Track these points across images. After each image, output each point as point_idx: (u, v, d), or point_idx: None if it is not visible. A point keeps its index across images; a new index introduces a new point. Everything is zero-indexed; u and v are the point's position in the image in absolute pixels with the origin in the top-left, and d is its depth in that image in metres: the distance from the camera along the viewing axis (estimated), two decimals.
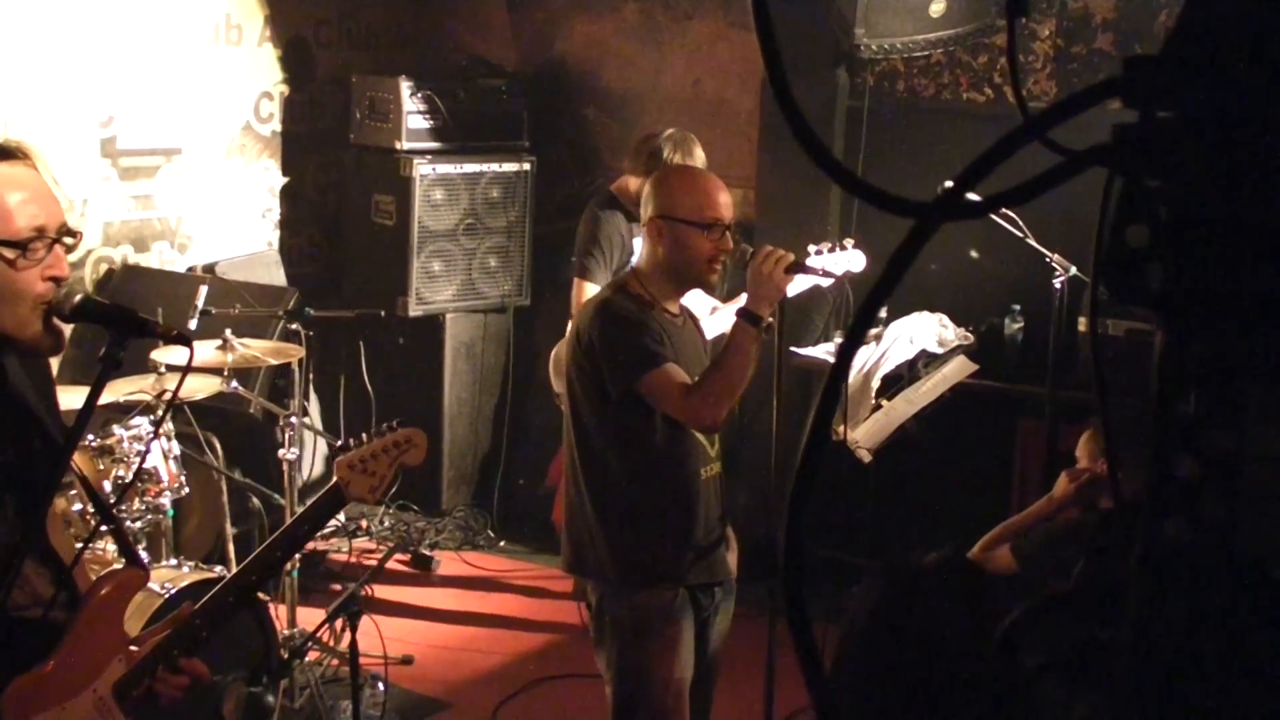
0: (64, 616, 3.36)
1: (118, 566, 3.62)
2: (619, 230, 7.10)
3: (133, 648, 3.49)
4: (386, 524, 9.12)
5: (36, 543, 3.36)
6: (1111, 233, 1.16)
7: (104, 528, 6.01)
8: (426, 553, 8.76)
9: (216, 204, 9.12)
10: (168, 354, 6.62)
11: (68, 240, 3.29)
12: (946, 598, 2.63)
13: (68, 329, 3.34)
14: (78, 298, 3.27)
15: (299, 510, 6.63)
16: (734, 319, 5.07)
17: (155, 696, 3.49)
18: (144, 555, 6.24)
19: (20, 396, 3.39)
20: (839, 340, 7.44)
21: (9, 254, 3.16)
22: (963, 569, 2.73)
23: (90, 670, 3.39)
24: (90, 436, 6.29)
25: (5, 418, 3.33)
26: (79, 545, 3.65)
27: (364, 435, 4.21)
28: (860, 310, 1.25)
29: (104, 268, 8.56)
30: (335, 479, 4.10)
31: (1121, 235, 1.15)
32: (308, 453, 7.87)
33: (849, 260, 6.43)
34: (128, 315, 3.29)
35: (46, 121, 8.06)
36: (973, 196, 1.29)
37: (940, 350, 7.35)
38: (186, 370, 3.57)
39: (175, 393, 3.66)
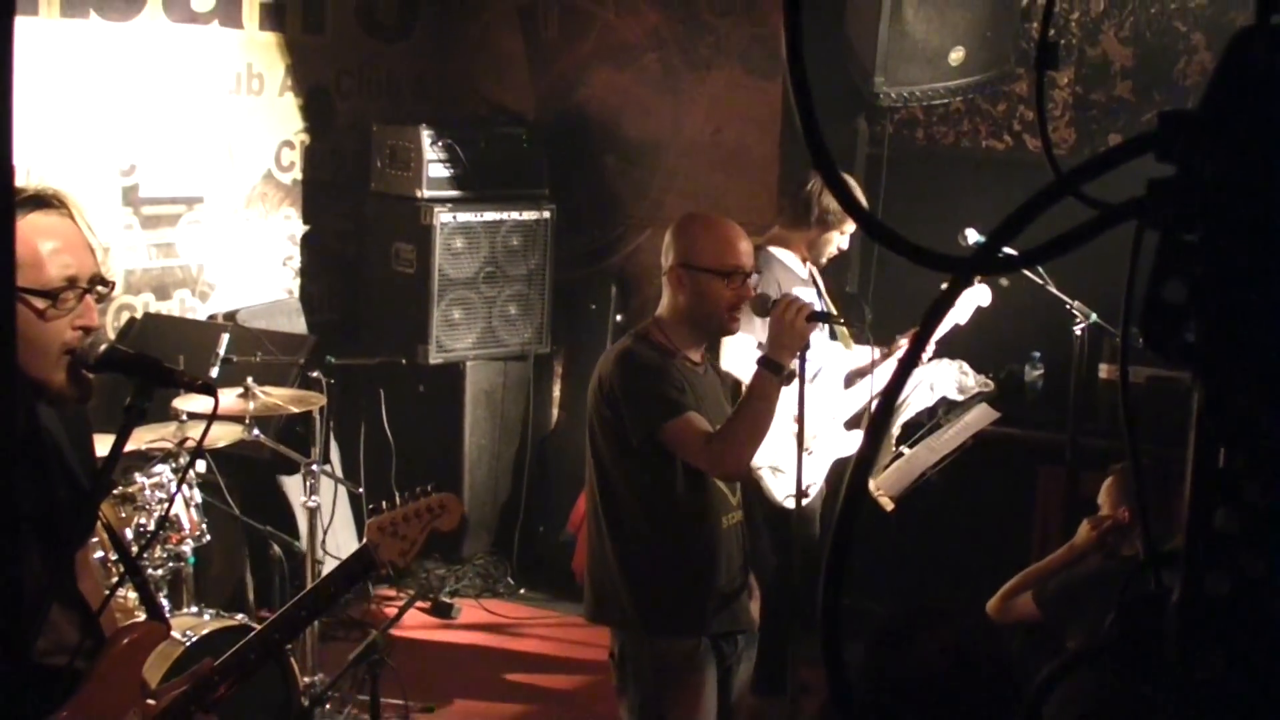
0: (87, 665, 3.36)
1: (139, 618, 3.61)
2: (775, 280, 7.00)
3: (150, 701, 3.48)
4: (407, 572, 9.11)
5: (63, 589, 3.37)
6: (1148, 287, 1.16)
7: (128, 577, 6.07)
8: (447, 600, 8.72)
9: (237, 252, 9.15)
10: (189, 402, 6.63)
11: (100, 290, 3.29)
12: (938, 651, 2.62)
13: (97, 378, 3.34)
14: (103, 347, 3.29)
15: (320, 558, 6.66)
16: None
17: None
18: (165, 603, 6.25)
19: (51, 444, 3.39)
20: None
21: (39, 304, 3.17)
22: (954, 620, 2.71)
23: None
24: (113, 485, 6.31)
25: (35, 465, 3.33)
26: (105, 593, 3.66)
27: (397, 498, 4.21)
28: (900, 364, 1.25)
29: (126, 316, 8.58)
30: (365, 541, 4.11)
31: (1158, 290, 1.15)
32: (327, 500, 7.86)
33: (975, 296, 6.45)
34: (152, 365, 3.30)
35: (69, 169, 8.09)
36: (1008, 249, 1.29)
37: (961, 397, 7.34)
38: (211, 419, 3.57)
39: (201, 441, 3.64)
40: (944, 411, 7.30)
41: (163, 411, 6.45)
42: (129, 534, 6.17)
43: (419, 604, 8.60)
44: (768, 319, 5.10)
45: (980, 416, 6.83)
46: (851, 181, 6.82)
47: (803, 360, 5.08)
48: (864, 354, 6.86)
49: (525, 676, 7.87)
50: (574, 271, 9.50)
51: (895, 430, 7.24)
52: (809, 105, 1.29)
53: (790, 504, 6.22)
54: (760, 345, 5.47)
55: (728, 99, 8.94)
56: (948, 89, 7.06)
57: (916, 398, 7.31)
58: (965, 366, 7.47)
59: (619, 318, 9.18)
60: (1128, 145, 1.25)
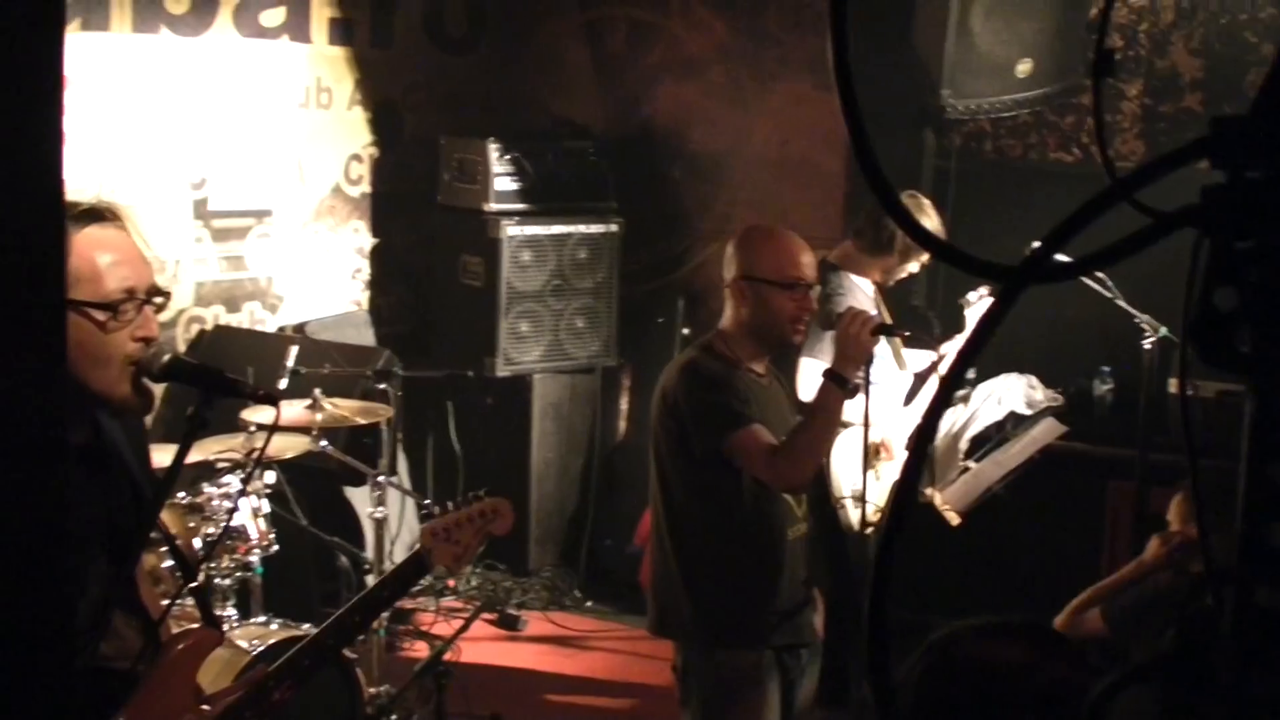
0: (146, 670, 3.38)
1: (194, 625, 3.62)
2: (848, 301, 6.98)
3: (205, 706, 3.49)
4: (474, 583, 9.11)
5: (126, 596, 3.39)
6: (1200, 295, 1.14)
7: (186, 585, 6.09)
8: (513, 612, 8.75)
9: (306, 265, 9.20)
10: (257, 413, 6.65)
11: (157, 301, 3.31)
12: (996, 666, 2.59)
13: (158, 388, 3.35)
14: (166, 357, 3.28)
15: (386, 569, 6.66)
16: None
17: None
18: (233, 612, 6.27)
19: (114, 453, 3.41)
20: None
21: (99, 316, 3.18)
22: (1015, 635, 2.68)
23: None
24: (181, 494, 6.33)
25: (99, 474, 3.35)
26: (165, 601, 3.67)
27: (450, 504, 4.22)
28: (947, 374, 1.24)
29: (196, 328, 8.63)
30: (419, 546, 4.11)
31: (1210, 298, 1.13)
32: (395, 512, 7.88)
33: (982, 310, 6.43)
34: (216, 375, 3.31)
35: (140, 183, 8.16)
36: (1062, 257, 1.27)
37: (1029, 411, 7.30)
38: (273, 430, 3.58)
39: (262, 451, 3.66)
40: (1012, 426, 7.25)
41: (231, 423, 6.47)
42: (197, 543, 6.20)
43: (486, 616, 8.65)
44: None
45: (1046, 431, 6.78)
46: (926, 201, 6.80)
47: (867, 374, 5.06)
48: (919, 359, 6.83)
49: (591, 689, 7.86)
50: (641, 285, 9.50)
51: (963, 445, 7.19)
52: (862, 133, 1.27)
53: (855, 514, 6.21)
54: None
55: (794, 112, 8.91)
56: (1015, 101, 7.02)
57: (985, 412, 7.28)
58: (1034, 381, 7.43)
59: (686, 331, 9.16)
60: (1181, 151, 1.23)
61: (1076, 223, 1.23)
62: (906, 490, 1.19)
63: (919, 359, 6.83)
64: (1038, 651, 2.68)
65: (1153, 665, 1.41)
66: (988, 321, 1.21)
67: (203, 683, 3.60)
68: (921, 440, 1.23)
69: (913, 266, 6.83)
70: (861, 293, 6.66)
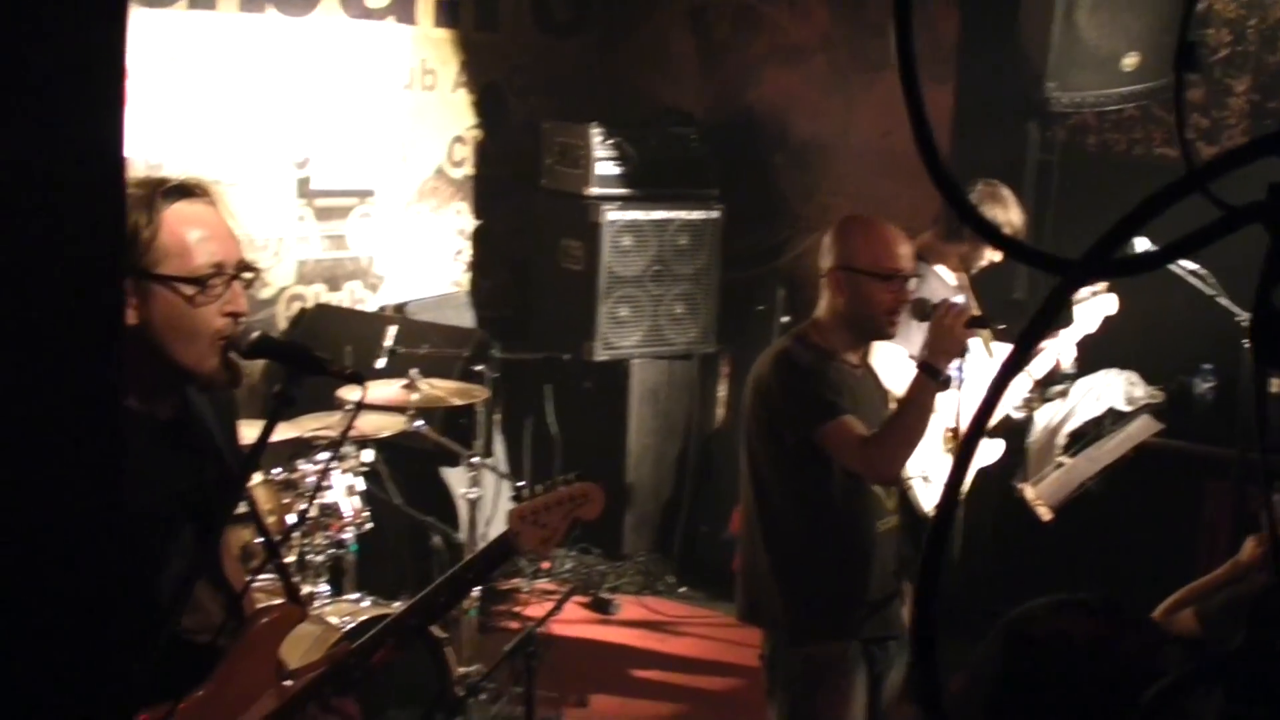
0: (228, 644, 3.40)
1: (277, 600, 3.63)
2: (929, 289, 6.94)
3: (287, 682, 3.51)
4: (568, 566, 9.13)
5: (211, 570, 3.42)
6: (1256, 293, 1.11)
7: (284, 561, 6.14)
8: (606, 596, 8.76)
9: (408, 245, 9.25)
10: (353, 392, 6.68)
11: (246, 276, 3.32)
12: (1071, 641, 2.56)
13: (246, 364, 3.37)
14: (255, 334, 3.29)
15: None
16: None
17: None
18: (325, 588, 6.31)
19: (202, 428, 3.45)
20: (1028, 394, 7.33)
21: (188, 290, 3.20)
22: (1091, 610, 2.64)
23: (242, 701, 3.42)
24: (276, 470, 6.39)
25: (186, 449, 3.38)
26: (248, 574, 3.70)
27: (539, 487, 4.22)
28: (1004, 366, 1.22)
29: (297, 306, 8.70)
30: (506, 528, 4.11)
31: (1268, 296, 1.10)
32: (490, 493, 7.91)
33: (1104, 305, 6.35)
34: (302, 353, 3.31)
35: (245, 162, 8.23)
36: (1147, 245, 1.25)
37: (1128, 408, 7.22)
38: (358, 409, 3.60)
39: (347, 429, 3.66)
40: (1111, 422, 7.18)
41: (329, 400, 6.52)
42: (291, 520, 6.24)
43: (579, 599, 8.67)
44: (925, 325, 5.05)
45: (1142, 428, 6.70)
46: (1006, 191, 6.71)
47: (960, 366, 5.02)
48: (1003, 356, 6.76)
49: (680, 675, 7.85)
50: (741, 272, 9.47)
51: (1061, 440, 7.13)
52: (923, 120, 1.25)
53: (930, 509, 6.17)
54: (911, 355, 5.42)
55: (897, 102, 8.77)
56: (1120, 95, 6.93)
57: (1084, 408, 7.20)
58: (1134, 378, 7.35)
59: (785, 319, 9.11)
60: (1253, 145, 1.20)
61: (1141, 215, 1.21)
62: (953, 485, 1.17)
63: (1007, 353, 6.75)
64: (1113, 628, 2.64)
65: (1212, 669, 1.39)
66: (1046, 313, 1.19)
67: (292, 657, 3.62)
68: (973, 432, 1.21)
69: (993, 255, 6.74)
70: (939, 281, 6.60)
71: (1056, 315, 1.18)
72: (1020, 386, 6.76)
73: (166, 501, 3.29)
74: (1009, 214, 6.62)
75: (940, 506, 1.19)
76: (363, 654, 3.71)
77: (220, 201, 3.35)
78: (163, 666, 2.95)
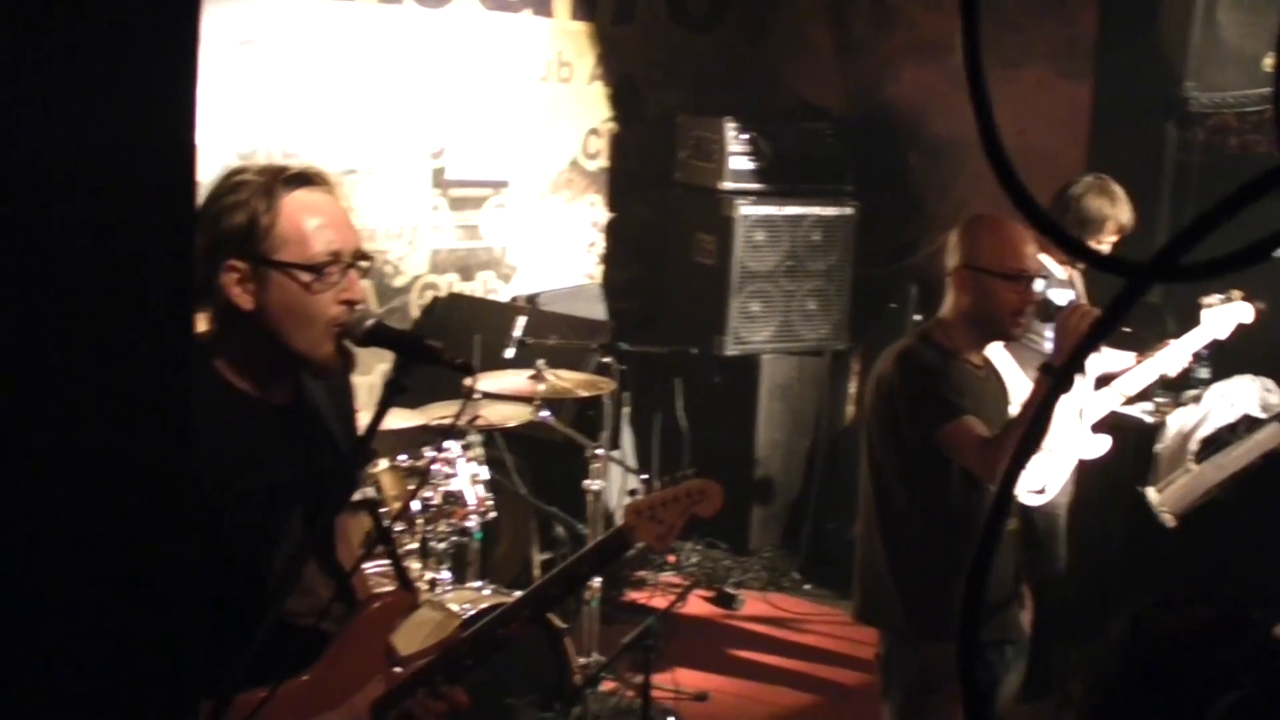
0: (337, 629, 3.44)
1: (389, 587, 3.66)
2: None
3: (397, 669, 3.54)
4: (694, 560, 9.13)
5: (322, 554, 3.45)
6: None
7: (406, 548, 6.19)
8: (731, 591, 8.75)
9: (541, 236, 9.28)
10: (482, 381, 6.76)
11: (362, 265, 3.35)
12: (1207, 653, 2.52)
13: (362, 353, 3.40)
14: (370, 322, 3.31)
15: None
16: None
17: (412, 718, 3.53)
18: (447, 575, 6.35)
19: (315, 413, 3.48)
20: (1159, 399, 7.23)
21: (304, 277, 3.23)
22: (1227, 623, 2.61)
23: (350, 685, 3.44)
24: (402, 456, 6.45)
25: (299, 434, 3.42)
26: (371, 561, 3.73)
27: (656, 482, 4.22)
28: (1063, 366, 1.19)
29: (429, 294, 8.76)
30: (622, 522, 4.12)
31: None
32: (616, 486, 7.92)
33: (1237, 313, 6.25)
34: (416, 343, 3.31)
35: (381, 151, 8.31)
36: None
37: (1264, 415, 7.08)
38: (467, 399, 3.61)
39: (456, 418, 3.67)
40: (1245, 428, 7.05)
41: (457, 388, 6.56)
42: (416, 506, 6.30)
43: (703, 593, 8.67)
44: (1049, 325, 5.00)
45: (1271, 436, 6.57)
46: (1116, 188, 6.59)
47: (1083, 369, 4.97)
48: (1119, 358, 6.63)
49: (800, 672, 7.82)
50: (874, 269, 9.40)
51: (1193, 446, 7.01)
52: (987, 109, 1.23)
53: (1027, 499, 6.09)
54: (1006, 349, 5.37)
55: (1034, 100, 8.72)
56: (1262, 96, 6.80)
57: (1217, 414, 7.08)
58: (1270, 384, 7.22)
59: (918, 317, 9.04)
60: None
61: (1219, 214, 1.18)
62: (1007, 487, 1.15)
63: (1119, 359, 6.63)
64: (1235, 628, 2.61)
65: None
66: (1110, 318, 1.17)
67: (411, 644, 3.65)
68: (1029, 436, 1.19)
69: (1100, 246, 6.61)
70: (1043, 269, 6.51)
71: (1118, 321, 1.15)
72: (1103, 397, 6.64)
73: (278, 486, 3.34)
74: (1116, 210, 6.51)
75: (991, 515, 1.18)
76: (473, 643, 3.72)
77: (339, 190, 3.38)
78: (267, 649, 2.99)
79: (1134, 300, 1.16)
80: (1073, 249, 1.20)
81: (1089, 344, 1.16)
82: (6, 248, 1.19)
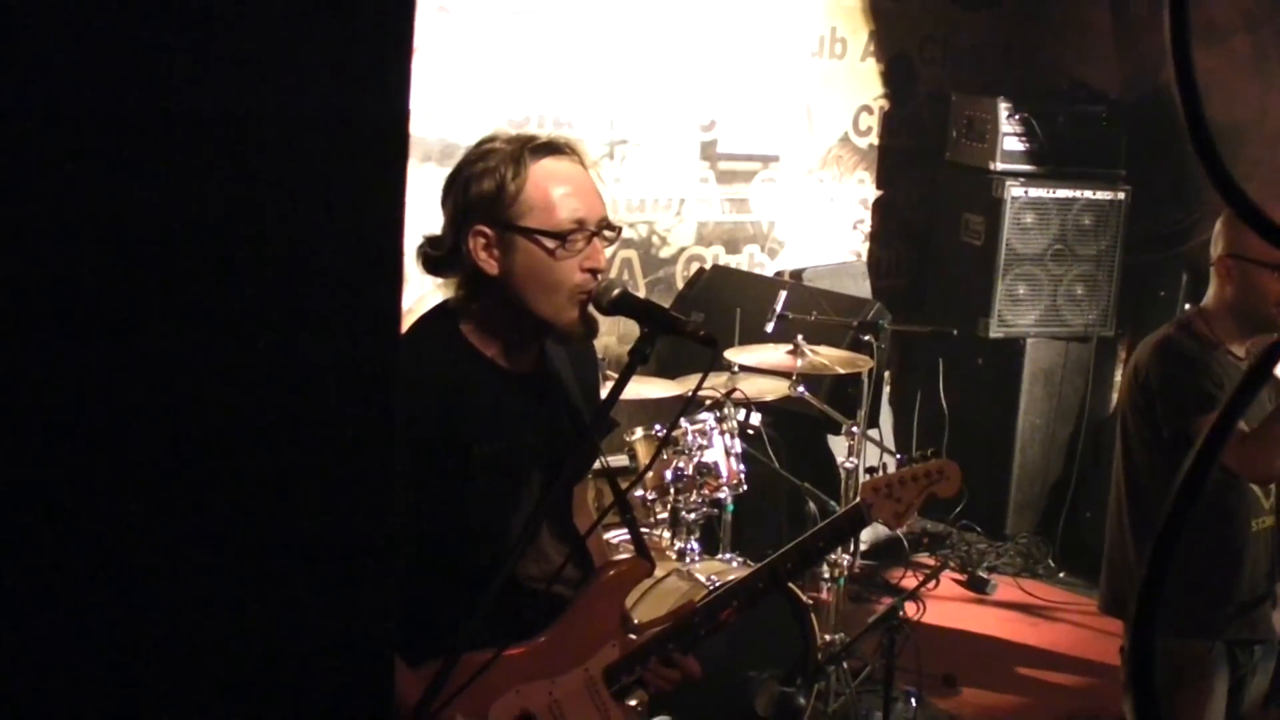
0: (573, 594, 3.49)
1: (625, 555, 3.71)
2: None
3: (631, 636, 3.58)
4: (948, 543, 9.05)
5: (557, 520, 3.51)
6: None
7: (658, 516, 6.24)
8: (984, 575, 8.66)
9: (809, 212, 9.26)
10: (741, 354, 6.80)
11: (607, 235, 3.40)
12: None
13: (604, 321, 3.44)
14: (616, 291, 3.36)
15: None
16: None
17: (644, 685, 3.57)
18: (696, 546, 6.38)
19: (557, 380, 3.54)
20: None
21: (549, 244, 3.29)
22: None
23: (583, 650, 3.50)
24: (657, 426, 6.49)
25: (540, 400, 3.49)
26: (607, 529, 3.78)
27: (896, 460, 4.21)
28: (1254, 362, 1.17)
29: (695, 266, 8.80)
30: (858, 499, 4.11)
31: None
32: (872, 463, 7.88)
33: None
34: (659, 312, 3.38)
35: (651, 122, 8.36)
36: None
37: None
38: (707, 370, 3.62)
39: (695, 391, 3.67)
40: None
41: (717, 361, 6.58)
42: (668, 475, 6.34)
43: (956, 576, 8.60)
44: None
45: None
46: None
47: None
48: None
49: (1050, 661, 7.70)
50: (1144, 255, 9.21)
51: None
52: (1194, 94, 1.20)
53: None
54: None
55: None
56: None
57: None
58: None
59: (1188, 306, 8.84)
60: None
61: None
62: (1193, 484, 1.12)
63: None
64: None
65: None
66: None
67: (656, 612, 3.69)
68: (1218, 429, 1.16)
69: None
70: None
71: None
72: None
73: (519, 451, 3.40)
74: None
75: (1173, 506, 1.15)
76: (708, 613, 3.75)
77: (587, 160, 3.43)
78: (501, 610, 3.05)
79: None
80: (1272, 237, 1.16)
81: None
82: (214, 217, 1.23)
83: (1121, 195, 9.05)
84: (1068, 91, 9.38)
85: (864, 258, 9.61)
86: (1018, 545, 9.16)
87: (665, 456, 6.34)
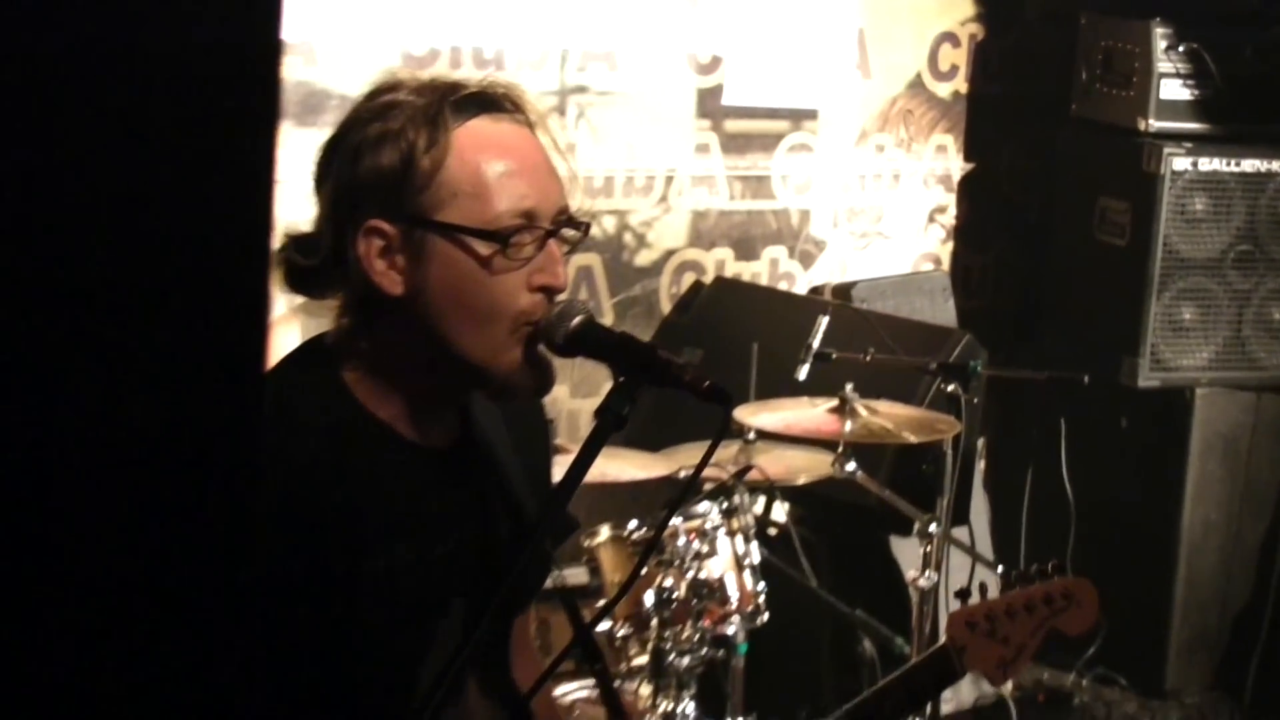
0: None
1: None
2: None
3: None
4: (1076, 702, 9.08)
5: (489, 669, 3.50)
6: None
7: (632, 662, 6.29)
8: None
9: (861, 196, 9.25)
10: (760, 414, 6.80)
11: (568, 233, 3.32)
12: None
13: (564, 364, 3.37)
14: (576, 320, 3.26)
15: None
16: None
17: None
18: (692, 708, 6.39)
19: (488, 456, 3.49)
20: None
21: (483, 249, 3.19)
22: None
23: None
24: (633, 523, 6.43)
25: (462, 487, 3.45)
26: (560, 679, 3.82)
27: (998, 576, 4.22)
28: None
29: (690, 276, 8.73)
30: (945, 640, 4.12)
31: None
32: (958, 579, 7.92)
33: None
34: (639, 351, 3.29)
35: (625, 59, 8.37)
36: None
37: None
38: (715, 442, 3.39)
39: (697, 472, 3.56)
40: None
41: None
42: (649, 599, 6.30)
43: None
44: None
45: None
46: None
47: None
48: None
49: None
50: None
51: None
52: None
53: None
54: None
55: None
56: None
57: None
58: None
59: None
60: None
61: None
62: None
63: None
64: None
65: None
66: None
67: None
68: None
69: None
70: None
71: None
72: None
73: (431, 565, 3.36)
74: None
75: None
76: None
77: (536, 118, 3.36)
78: None
79: None
80: None
81: None
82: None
83: None
84: (1259, 12, 9.44)
85: (946, 266, 9.63)
86: (1185, 706, 9.20)
87: (647, 571, 6.33)
